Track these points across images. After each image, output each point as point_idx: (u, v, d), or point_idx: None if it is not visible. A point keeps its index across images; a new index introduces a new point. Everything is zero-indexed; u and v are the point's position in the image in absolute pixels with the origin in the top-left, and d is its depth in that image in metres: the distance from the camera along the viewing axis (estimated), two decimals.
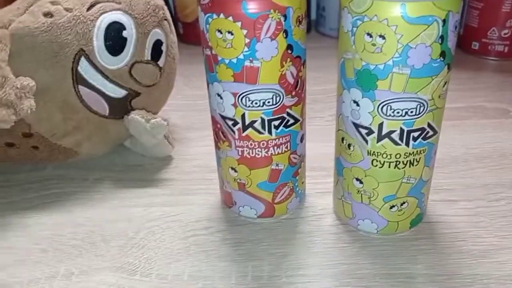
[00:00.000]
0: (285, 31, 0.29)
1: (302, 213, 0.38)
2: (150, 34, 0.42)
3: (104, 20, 0.39)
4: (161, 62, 0.44)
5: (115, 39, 0.40)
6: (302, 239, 0.35)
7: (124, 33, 0.40)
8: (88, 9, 0.40)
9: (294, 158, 0.35)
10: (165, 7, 0.44)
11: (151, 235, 0.36)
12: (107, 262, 0.34)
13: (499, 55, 0.61)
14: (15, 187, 0.43)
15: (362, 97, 0.30)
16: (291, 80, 0.31)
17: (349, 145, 0.32)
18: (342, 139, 0.33)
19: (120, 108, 0.43)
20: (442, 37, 0.27)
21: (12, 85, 0.36)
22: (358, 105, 0.30)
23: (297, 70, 0.32)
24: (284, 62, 0.30)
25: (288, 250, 0.34)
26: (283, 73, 0.31)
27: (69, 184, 0.43)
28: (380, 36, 0.27)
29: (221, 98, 0.32)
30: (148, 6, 0.42)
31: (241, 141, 0.33)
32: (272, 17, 0.29)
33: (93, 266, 0.34)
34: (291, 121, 0.33)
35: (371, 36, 0.27)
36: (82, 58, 0.39)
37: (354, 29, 0.28)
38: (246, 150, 0.33)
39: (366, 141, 0.31)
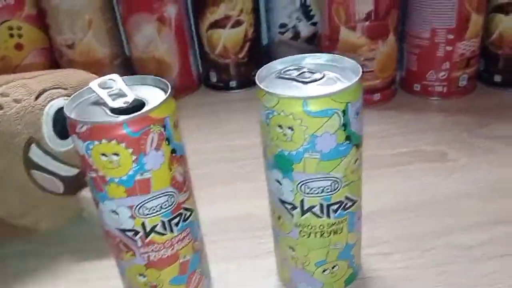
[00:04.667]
0: (167, 139, 0.31)
1: (249, 276, 0.40)
2: None
3: (52, 107, 0.42)
4: None
5: (63, 124, 0.42)
6: None
7: None
8: (36, 98, 0.42)
9: (197, 245, 0.37)
10: None
11: None
12: None
13: (439, 95, 0.65)
14: None
15: (283, 178, 0.32)
16: (181, 179, 0.33)
17: (279, 217, 0.35)
18: (273, 211, 0.36)
19: (74, 185, 0.45)
20: (344, 125, 0.30)
21: None
22: (280, 184, 0.33)
23: (183, 167, 0.34)
24: (171, 166, 0.32)
25: None
26: (172, 175, 0.32)
27: (29, 260, 0.45)
28: (289, 127, 0.30)
29: (117, 213, 0.32)
30: None
31: (146, 247, 0.34)
32: (153, 130, 0.30)
33: None
34: (188, 214, 0.35)
35: (281, 128, 0.30)
36: (33, 145, 0.42)
37: (268, 120, 0.31)
38: (152, 254, 0.34)
39: (292, 215, 0.34)
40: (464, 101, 0.65)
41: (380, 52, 0.61)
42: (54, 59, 0.72)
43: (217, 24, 0.68)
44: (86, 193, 0.44)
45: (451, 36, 0.60)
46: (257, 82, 0.32)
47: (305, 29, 0.70)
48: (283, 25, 0.70)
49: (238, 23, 0.68)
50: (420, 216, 0.45)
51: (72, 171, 0.44)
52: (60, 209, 0.45)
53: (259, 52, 0.73)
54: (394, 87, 0.67)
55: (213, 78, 0.73)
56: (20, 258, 0.45)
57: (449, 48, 0.61)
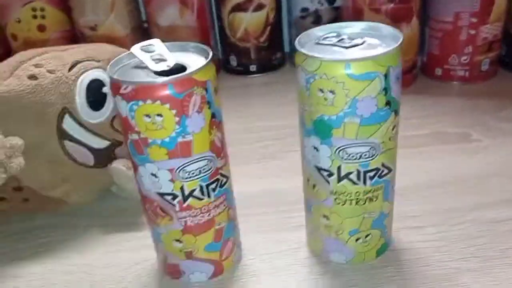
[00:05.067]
0: (208, 102, 0.32)
1: (279, 248, 0.41)
2: None
3: (85, 78, 0.43)
4: None
5: (96, 95, 0.43)
6: (277, 273, 0.38)
7: (104, 89, 0.43)
8: (70, 69, 0.43)
9: (231, 213, 0.37)
10: None
11: (137, 278, 0.39)
12: None
13: (461, 79, 0.65)
14: (7, 238, 0.45)
15: (321, 144, 0.33)
16: (219, 144, 0.34)
17: (313, 185, 0.35)
18: (308, 179, 0.36)
19: (104, 158, 0.45)
20: (385, 89, 0.30)
21: (1, 145, 0.39)
22: (317, 150, 0.33)
23: (221, 133, 0.34)
24: (211, 130, 0.33)
25: (264, 285, 0.37)
26: (212, 139, 0.33)
27: (60, 232, 0.45)
28: (330, 91, 0.30)
29: (157, 176, 0.33)
30: None
31: (183, 212, 0.34)
32: (196, 92, 0.31)
33: None
34: (224, 180, 0.35)
35: (322, 92, 0.31)
36: (66, 116, 0.42)
37: (308, 85, 0.31)
38: (189, 219, 0.34)
39: (328, 182, 0.34)
40: (485, 86, 0.65)
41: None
42: (76, 41, 0.72)
43: (239, 8, 0.68)
44: (116, 165, 0.44)
45: (474, 20, 0.60)
46: (297, 47, 0.32)
47: (326, 14, 0.70)
48: (304, 9, 0.71)
49: (260, 7, 0.68)
50: (446, 193, 0.45)
51: (103, 143, 0.45)
52: (90, 181, 0.46)
53: (279, 37, 0.73)
54: (415, 71, 0.67)
55: (233, 62, 0.74)
56: (50, 230, 0.46)
57: (472, 31, 0.61)
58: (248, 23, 0.69)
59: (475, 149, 0.52)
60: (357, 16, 0.61)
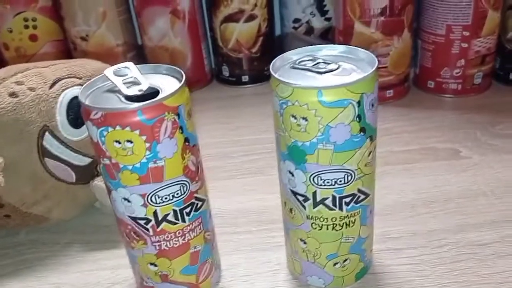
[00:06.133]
0: (181, 127, 0.31)
1: (259, 269, 0.40)
2: None
3: (66, 96, 0.42)
4: None
5: (76, 113, 0.43)
6: None
7: None
8: (51, 86, 0.42)
9: (208, 235, 0.37)
10: None
11: None
12: None
13: (453, 92, 0.64)
14: None
15: (295, 169, 0.32)
16: (194, 168, 0.33)
17: (290, 209, 0.35)
18: (285, 203, 0.36)
19: (86, 174, 0.45)
20: (359, 116, 0.30)
21: None
22: (293, 175, 0.33)
23: (195, 157, 0.34)
24: (184, 155, 0.32)
25: None
26: (185, 164, 0.32)
27: (42, 249, 0.45)
28: (303, 118, 0.30)
29: (129, 201, 0.32)
30: None
31: (157, 236, 0.34)
32: (167, 118, 0.30)
33: None
34: (200, 204, 0.35)
35: (295, 118, 0.30)
36: (46, 133, 0.42)
37: (282, 110, 0.31)
38: (164, 243, 0.34)
39: (304, 207, 0.34)
40: (478, 99, 0.64)
41: (394, 48, 0.61)
42: (68, 51, 0.72)
43: (231, 18, 0.68)
44: (98, 182, 0.44)
45: (466, 33, 0.60)
46: (271, 72, 0.31)
47: (318, 24, 0.70)
48: (296, 20, 0.70)
49: (251, 18, 0.68)
50: (431, 213, 0.45)
51: (84, 160, 0.44)
52: (72, 198, 0.46)
53: (272, 47, 0.72)
54: (407, 84, 0.66)
55: (226, 72, 0.73)
56: (32, 246, 0.45)
57: (464, 45, 0.60)
58: (240, 33, 0.69)
59: (464, 167, 0.51)
60: (348, 28, 0.60)
